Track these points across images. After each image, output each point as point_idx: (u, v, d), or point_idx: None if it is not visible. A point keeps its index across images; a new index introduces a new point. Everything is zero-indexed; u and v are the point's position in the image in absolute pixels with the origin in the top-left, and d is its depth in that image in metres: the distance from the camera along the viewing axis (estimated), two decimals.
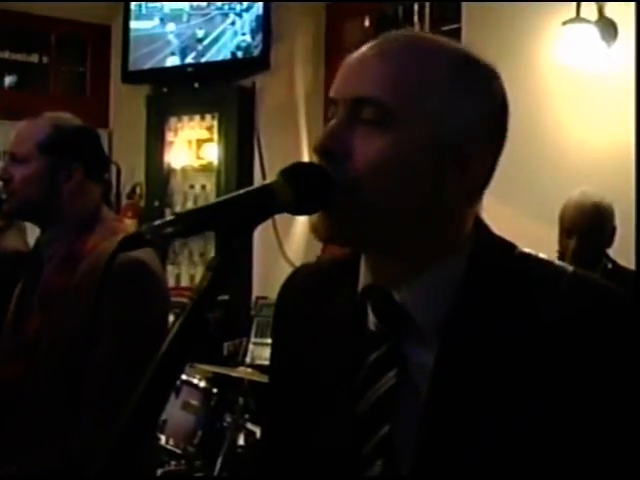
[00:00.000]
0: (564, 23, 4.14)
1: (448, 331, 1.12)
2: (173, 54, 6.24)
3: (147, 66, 6.37)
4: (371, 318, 1.18)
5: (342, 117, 1.13)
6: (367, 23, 5.91)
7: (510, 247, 1.19)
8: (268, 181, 1.07)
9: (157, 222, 0.98)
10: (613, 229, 3.60)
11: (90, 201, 2.34)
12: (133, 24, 6.43)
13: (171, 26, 6.25)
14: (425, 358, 1.13)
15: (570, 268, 1.15)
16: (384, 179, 1.09)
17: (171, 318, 2.38)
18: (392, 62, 1.12)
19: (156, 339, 2.25)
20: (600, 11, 4.12)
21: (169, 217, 0.98)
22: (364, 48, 1.16)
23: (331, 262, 1.34)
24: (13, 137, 2.34)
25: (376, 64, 1.13)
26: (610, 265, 3.60)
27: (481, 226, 1.19)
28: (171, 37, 6.25)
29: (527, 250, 1.19)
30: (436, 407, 1.11)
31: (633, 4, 3.90)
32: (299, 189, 1.07)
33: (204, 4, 6.09)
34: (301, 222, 5.62)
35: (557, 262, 1.18)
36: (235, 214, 1.02)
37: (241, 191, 1.05)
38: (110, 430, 1.95)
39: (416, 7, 5.45)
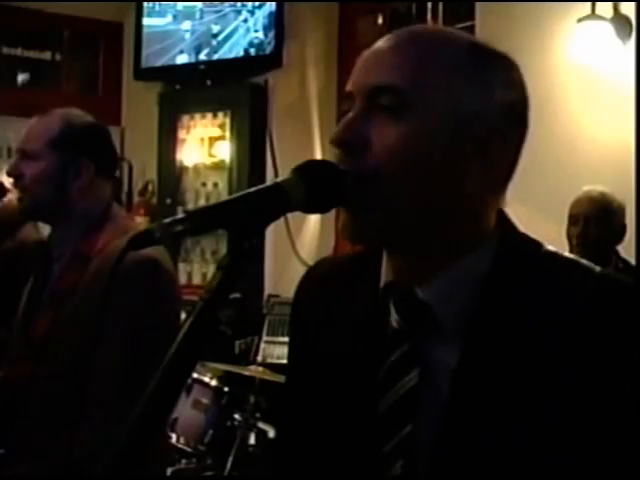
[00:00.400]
0: (579, 20, 4.12)
1: (472, 330, 1.11)
2: (185, 51, 6.23)
3: (159, 63, 6.37)
4: (393, 315, 1.17)
5: (359, 108, 1.12)
6: (380, 21, 5.90)
7: (536, 245, 1.18)
8: (280, 179, 1.05)
9: (167, 220, 0.96)
10: (622, 226, 3.63)
11: (100, 198, 2.33)
12: (146, 21, 6.43)
13: (184, 23, 6.24)
14: (447, 357, 1.11)
15: (597, 268, 1.14)
16: (403, 168, 1.08)
17: (182, 316, 2.37)
18: (408, 51, 1.12)
19: (167, 337, 2.25)
20: (615, 8, 4.10)
21: (179, 215, 0.97)
22: (379, 42, 1.16)
23: (350, 258, 1.33)
24: (24, 134, 2.33)
25: (392, 54, 1.12)
26: (621, 264, 3.62)
27: (506, 223, 1.18)
28: (183, 34, 6.24)
29: (553, 248, 1.17)
30: (458, 407, 1.09)
31: None
32: (311, 187, 1.05)
33: (217, 2, 6.08)
34: (313, 220, 5.61)
35: (583, 261, 1.16)
36: (246, 213, 1.00)
37: (253, 189, 1.04)
38: (120, 429, 1.94)
39: (429, 5, 5.44)
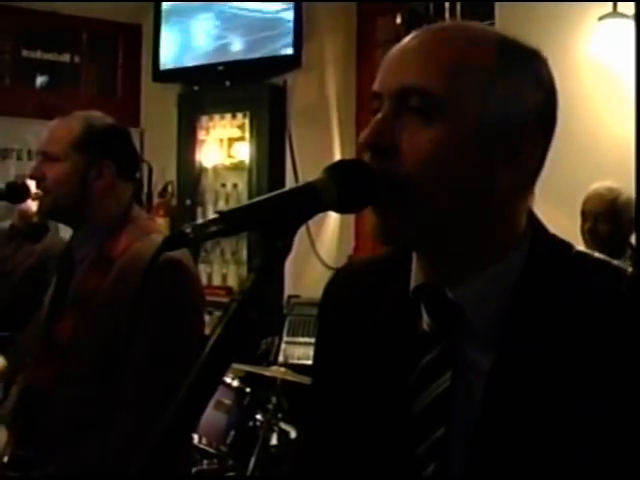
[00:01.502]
0: (600, 18, 4.11)
1: (506, 333, 1.10)
2: (204, 52, 6.24)
3: (178, 65, 6.38)
4: (425, 318, 1.16)
5: (388, 109, 1.10)
6: (398, 20, 5.89)
7: (567, 246, 1.17)
8: (312, 179, 1.05)
9: (200, 221, 0.96)
10: (632, 219, 3.70)
11: (121, 200, 2.33)
12: (164, 23, 6.44)
13: (202, 24, 6.25)
14: (480, 359, 1.11)
15: (629, 269, 1.13)
16: (434, 172, 1.07)
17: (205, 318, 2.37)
18: (436, 50, 1.10)
19: (193, 339, 2.26)
20: (638, 5, 4.06)
21: (212, 216, 0.96)
22: (406, 40, 1.14)
23: (379, 259, 1.32)
24: (45, 136, 2.33)
25: (421, 54, 1.11)
26: (635, 255, 3.70)
27: (537, 224, 1.17)
28: (202, 36, 6.25)
29: (583, 249, 1.16)
30: (492, 410, 1.09)
31: None
32: (344, 187, 1.05)
33: (235, 2, 6.08)
34: (333, 221, 5.61)
35: (615, 262, 1.15)
36: (279, 213, 1.00)
37: (284, 189, 1.03)
38: (150, 430, 1.94)
39: (447, 4, 5.44)
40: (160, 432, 0.95)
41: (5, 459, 2.27)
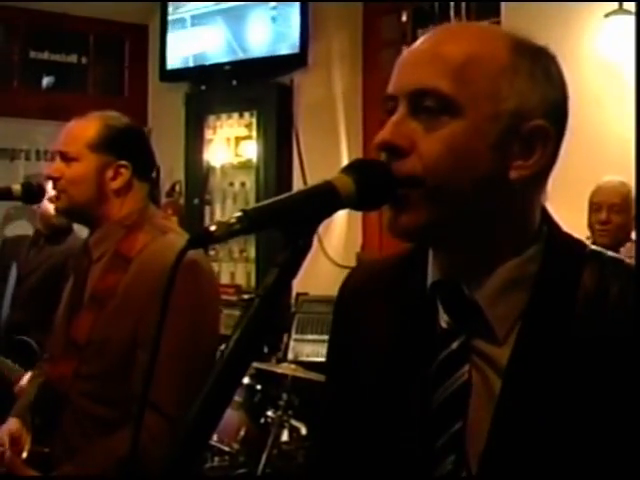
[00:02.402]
0: (607, 15, 4.11)
1: (523, 328, 1.12)
2: (211, 52, 6.26)
3: (185, 65, 6.40)
4: (442, 315, 1.18)
5: (403, 111, 1.13)
6: (404, 19, 5.90)
7: (581, 244, 1.19)
8: (331, 177, 1.07)
9: (224, 219, 0.98)
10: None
11: (138, 200, 2.35)
12: (170, 23, 6.46)
13: (209, 25, 6.27)
14: (496, 353, 1.13)
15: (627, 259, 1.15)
16: (450, 170, 1.09)
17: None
18: (448, 50, 1.12)
19: (212, 337, 2.27)
20: (638, 3, 4.07)
21: (236, 214, 0.99)
22: (418, 42, 1.16)
23: (395, 258, 1.34)
24: (62, 136, 2.35)
25: (432, 54, 1.13)
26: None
27: (551, 222, 1.19)
28: (209, 36, 6.27)
29: (597, 248, 1.19)
30: (509, 405, 1.11)
31: None
32: (362, 185, 1.07)
33: (242, 2, 6.10)
34: (340, 219, 5.62)
35: (627, 260, 1.17)
36: (301, 211, 1.02)
37: (305, 188, 1.06)
38: (173, 429, 1.96)
39: (452, 3, 5.44)
40: (185, 429, 0.97)
41: (24, 455, 2.30)
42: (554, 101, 1.14)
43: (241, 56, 6.09)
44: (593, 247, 1.19)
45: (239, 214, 0.99)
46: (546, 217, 1.19)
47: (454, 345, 1.15)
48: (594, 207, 3.91)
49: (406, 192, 1.10)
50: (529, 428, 1.08)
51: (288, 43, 5.86)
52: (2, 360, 3.93)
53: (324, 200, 1.05)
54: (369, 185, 1.08)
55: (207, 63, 6.27)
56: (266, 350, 4.95)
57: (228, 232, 0.98)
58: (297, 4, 5.80)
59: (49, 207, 4.12)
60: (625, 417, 1.06)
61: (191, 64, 6.37)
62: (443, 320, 1.18)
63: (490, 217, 1.13)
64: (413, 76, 1.13)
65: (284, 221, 1.02)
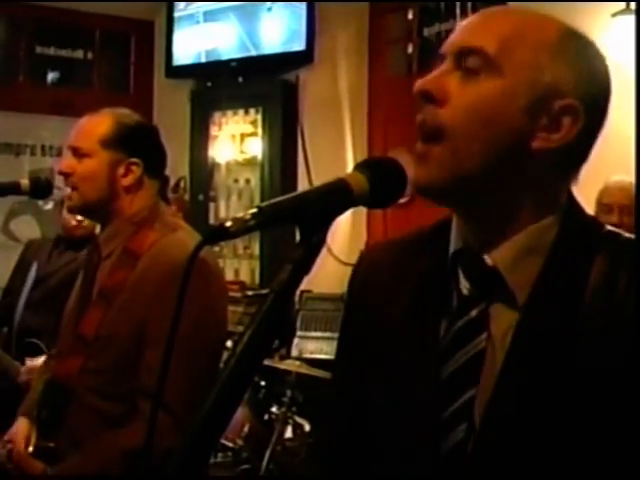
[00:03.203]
0: (613, 15, 4.11)
1: (533, 296, 1.14)
2: (217, 49, 6.27)
3: (191, 61, 6.41)
4: (462, 282, 1.20)
5: (447, 65, 1.18)
6: (410, 17, 5.90)
7: (599, 224, 1.23)
8: (344, 175, 1.09)
9: (239, 215, 0.99)
10: None
11: (149, 197, 2.36)
12: (177, 19, 6.47)
13: (216, 22, 6.27)
14: (511, 322, 1.15)
15: None
16: (476, 126, 1.13)
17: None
18: (500, 21, 1.18)
19: (219, 335, 2.28)
20: (636, 6, 4.07)
21: (251, 210, 1.00)
22: (475, 14, 1.22)
23: (410, 237, 1.37)
24: (74, 131, 2.36)
25: (485, 21, 1.19)
26: None
27: (573, 201, 1.22)
28: (215, 32, 6.27)
29: (614, 229, 1.22)
30: (510, 373, 1.13)
31: None
32: (374, 182, 1.08)
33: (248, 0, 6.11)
34: (345, 216, 5.55)
35: None
36: (314, 207, 1.04)
37: (319, 185, 1.07)
38: (181, 426, 1.96)
39: (458, 1, 5.45)
40: (198, 424, 0.98)
41: (30, 449, 2.31)
42: (591, 91, 1.17)
43: (247, 53, 6.10)
44: (610, 228, 1.22)
45: (254, 210, 1.00)
46: (570, 197, 1.22)
47: (473, 313, 1.18)
48: (604, 209, 3.85)
49: (430, 147, 1.14)
50: (528, 396, 1.10)
51: (294, 40, 5.86)
52: (2, 355, 3.95)
53: (338, 197, 1.07)
54: (382, 183, 1.10)
55: (213, 60, 6.28)
56: (277, 345, 4.96)
57: (244, 228, 0.99)
58: (304, 2, 5.80)
59: (71, 218, 4.14)
60: (625, 399, 1.07)
61: (197, 61, 6.38)
62: (464, 287, 1.20)
63: (507, 179, 1.15)
64: (461, 37, 1.18)
65: (298, 217, 1.03)
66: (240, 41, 6.13)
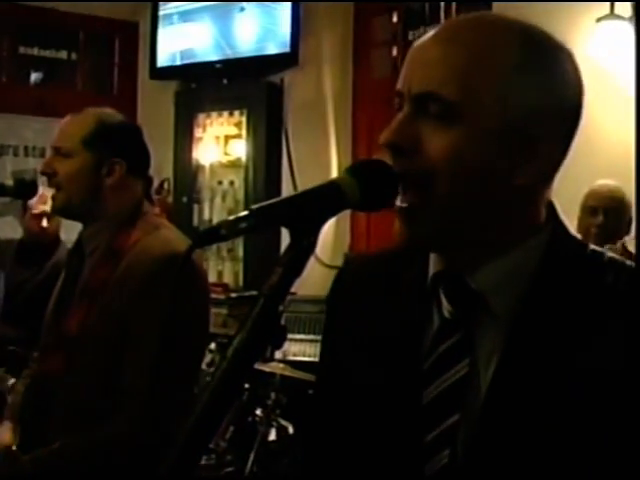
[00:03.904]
0: (598, 20, 4.12)
1: (518, 320, 1.12)
2: (201, 50, 6.25)
3: (175, 62, 6.39)
4: (445, 305, 1.18)
5: (408, 111, 1.13)
6: (395, 20, 5.91)
7: (583, 244, 1.21)
8: (335, 177, 1.08)
9: (231, 217, 0.99)
10: (630, 219, 3.83)
11: (132, 196, 2.36)
12: (161, 20, 6.45)
13: (200, 22, 6.26)
14: (495, 347, 1.13)
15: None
16: (454, 170, 1.09)
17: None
18: (456, 51, 1.11)
19: (199, 332, 2.30)
20: (635, 8, 4.09)
21: (243, 212, 0.99)
22: (427, 36, 1.15)
23: (389, 253, 1.33)
24: (57, 132, 2.35)
25: (440, 55, 1.11)
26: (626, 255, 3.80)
27: (556, 217, 1.20)
28: (199, 33, 6.26)
29: (598, 248, 1.20)
30: (498, 396, 1.11)
31: None
32: (366, 185, 1.08)
33: (233, 1, 6.10)
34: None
35: (628, 262, 1.18)
36: (306, 210, 1.03)
37: (311, 188, 1.06)
38: (156, 416, 1.99)
39: (443, 4, 5.47)
40: (189, 427, 0.97)
41: (13, 448, 2.30)
42: (564, 100, 1.13)
43: (232, 55, 6.08)
44: (594, 247, 1.20)
45: (245, 212, 1.00)
46: (552, 212, 1.19)
47: (456, 336, 1.16)
48: (589, 210, 3.87)
49: (412, 202, 1.11)
50: (516, 420, 1.09)
51: (279, 42, 5.86)
52: None
53: (330, 200, 1.06)
54: (373, 186, 1.09)
55: (197, 61, 6.26)
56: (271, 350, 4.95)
57: (235, 230, 0.99)
58: (288, 3, 5.80)
59: (35, 224, 4.12)
60: (614, 417, 1.06)
61: (181, 62, 6.36)
62: (446, 310, 1.17)
63: (492, 212, 1.13)
64: (418, 79, 1.12)
65: (289, 220, 1.02)
66: (225, 43, 6.12)
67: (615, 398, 1.06)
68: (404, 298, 1.23)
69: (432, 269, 1.20)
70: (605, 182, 3.87)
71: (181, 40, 6.37)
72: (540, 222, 1.17)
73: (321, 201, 1.05)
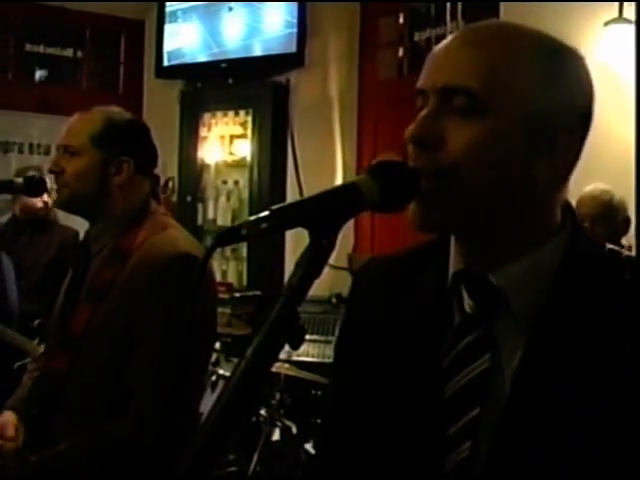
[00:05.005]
0: (606, 23, 4.13)
1: (541, 319, 1.14)
2: (207, 50, 6.26)
3: (181, 61, 6.39)
4: (467, 301, 1.19)
5: (432, 106, 1.14)
6: (401, 20, 5.92)
7: (600, 244, 1.22)
8: (354, 179, 1.08)
9: (252, 217, 0.99)
10: (625, 219, 3.83)
11: (139, 195, 2.35)
12: (167, 19, 6.46)
13: (206, 22, 6.27)
14: (516, 344, 1.14)
15: None
16: (477, 166, 1.11)
17: None
18: (480, 49, 1.13)
19: (206, 331, 2.30)
20: (637, 10, 4.08)
21: (263, 213, 1.00)
22: (449, 38, 1.17)
23: (408, 253, 1.35)
24: (65, 130, 2.35)
25: (464, 52, 1.14)
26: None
27: (573, 217, 1.22)
28: (206, 33, 6.26)
29: (614, 247, 1.22)
30: (520, 392, 1.12)
31: None
32: (385, 186, 1.08)
33: (239, 1, 6.10)
34: None
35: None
36: (326, 211, 1.03)
37: (330, 188, 1.07)
38: (162, 417, 1.99)
39: (448, 5, 5.47)
40: (208, 428, 0.98)
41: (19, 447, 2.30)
42: (581, 102, 1.16)
43: (237, 54, 6.10)
44: (611, 246, 1.22)
45: (266, 213, 1.00)
46: (569, 211, 1.22)
47: (476, 332, 1.17)
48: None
49: (433, 187, 1.12)
50: (539, 416, 1.10)
51: (285, 42, 5.86)
52: (26, 341, 3.94)
53: (349, 201, 1.06)
54: (392, 187, 1.09)
55: (203, 61, 6.27)
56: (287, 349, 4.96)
57: (256, 230, 0.99)
58: (295, 4, 5.81)
59: (36, 201, 4.14)
60: (636, 413, 1.07)
61: (187, 61, 6.37)
62: (467, 305, 1.19)
63: (512, 208, 1.14)
64: (443, 73, 1.14)
65: (309, 221, 1.02)
66: (231, 43, 6.12)
67: (638, 394, 1.07)
68: (424, 296, 1.24)
69: (452, 268, 1.21)
70: (592, 187, 3.83)
71: (187, 39, 6.36)
72: (558, 222, 1.19)
73: (340, 202, 1.05)
